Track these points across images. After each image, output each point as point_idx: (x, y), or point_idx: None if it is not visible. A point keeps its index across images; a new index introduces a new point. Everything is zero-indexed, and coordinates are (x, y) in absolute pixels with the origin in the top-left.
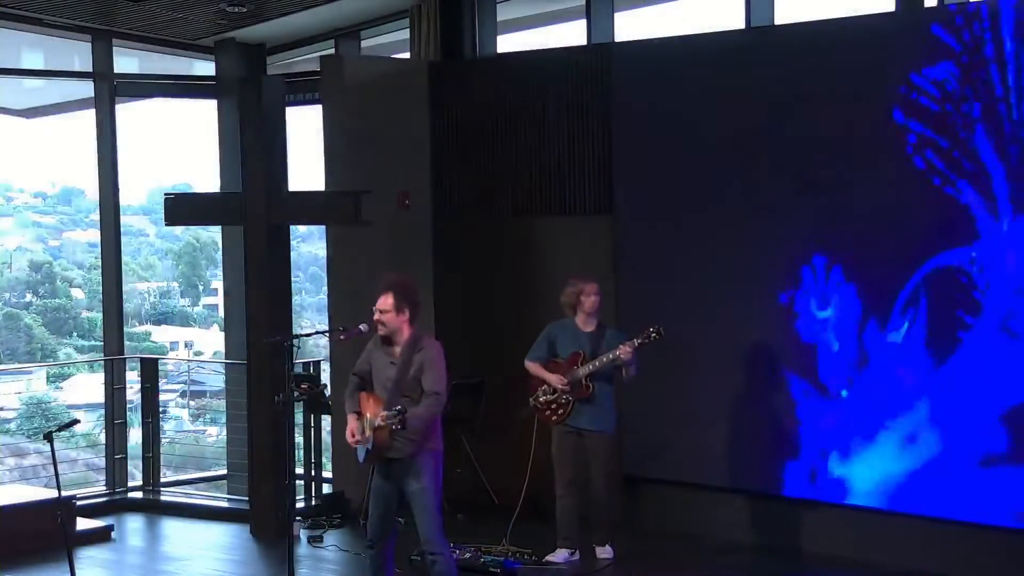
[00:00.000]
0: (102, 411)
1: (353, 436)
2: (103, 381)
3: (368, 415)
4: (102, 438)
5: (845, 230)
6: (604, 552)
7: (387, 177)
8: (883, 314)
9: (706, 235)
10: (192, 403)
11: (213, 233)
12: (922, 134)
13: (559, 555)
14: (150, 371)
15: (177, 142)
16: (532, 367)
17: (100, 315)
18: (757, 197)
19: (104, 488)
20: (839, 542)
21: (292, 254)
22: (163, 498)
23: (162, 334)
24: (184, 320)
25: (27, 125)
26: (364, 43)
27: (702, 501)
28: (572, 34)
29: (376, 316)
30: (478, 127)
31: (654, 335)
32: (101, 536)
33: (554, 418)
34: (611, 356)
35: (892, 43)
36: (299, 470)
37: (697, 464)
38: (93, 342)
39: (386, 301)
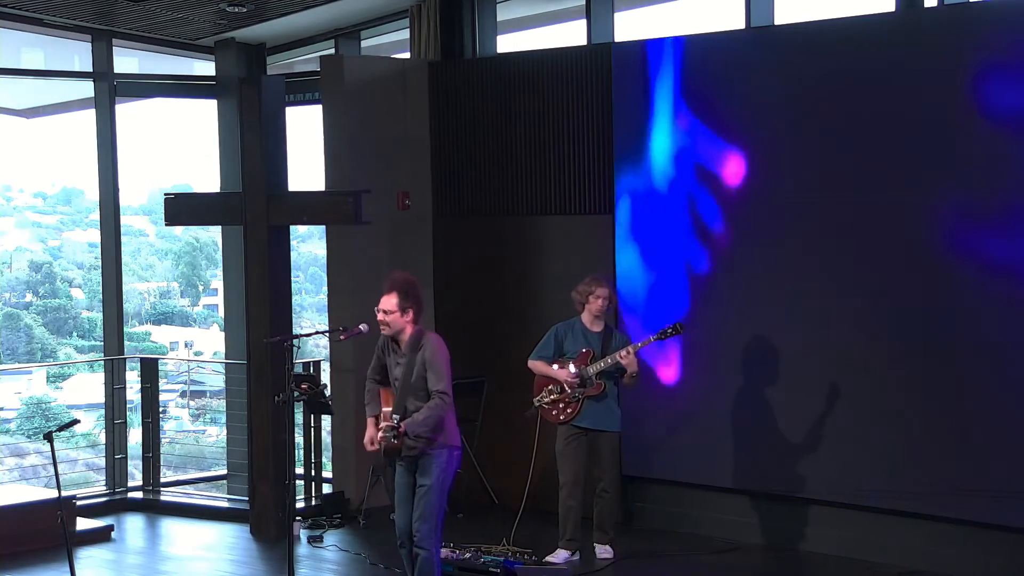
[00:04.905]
0: (102, 411)
1: (372, 444)
2: (103, 381)
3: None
4: (102, 438)
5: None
6: (604, 552)
7: (387, 177)
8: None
9: (705, 234)
10: (192, 403)
11: (213, 233)
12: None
13: (559, 555)
14: (150, 371)
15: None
16: (538, 366)
17: (100, 315)
18: (756, 196)
19: (104, 488)
20: (839, 542)
21: (292, 254)
22: (163, 498)
23: (162, 334)
24: (184, 320)
25: (27, 125)
26: (364, 43)
27: (702, 501)
28: (572, 34)
29: (380, 316)
30: (478, 127)
31: (670, 331)
32: (101, 536)
33: (561, 417)
34: (617, 356)
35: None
36: (299, 470)
37: (697, 464)
38: (93, 342)
39: (390, 301)
